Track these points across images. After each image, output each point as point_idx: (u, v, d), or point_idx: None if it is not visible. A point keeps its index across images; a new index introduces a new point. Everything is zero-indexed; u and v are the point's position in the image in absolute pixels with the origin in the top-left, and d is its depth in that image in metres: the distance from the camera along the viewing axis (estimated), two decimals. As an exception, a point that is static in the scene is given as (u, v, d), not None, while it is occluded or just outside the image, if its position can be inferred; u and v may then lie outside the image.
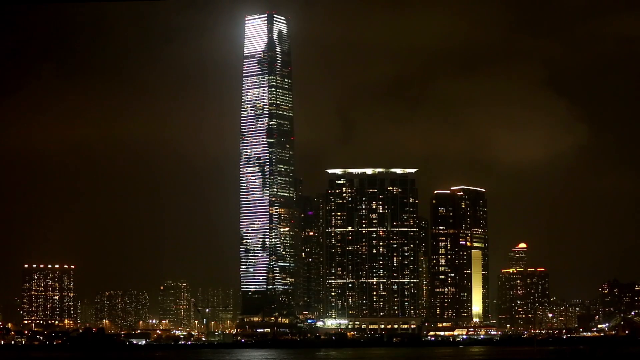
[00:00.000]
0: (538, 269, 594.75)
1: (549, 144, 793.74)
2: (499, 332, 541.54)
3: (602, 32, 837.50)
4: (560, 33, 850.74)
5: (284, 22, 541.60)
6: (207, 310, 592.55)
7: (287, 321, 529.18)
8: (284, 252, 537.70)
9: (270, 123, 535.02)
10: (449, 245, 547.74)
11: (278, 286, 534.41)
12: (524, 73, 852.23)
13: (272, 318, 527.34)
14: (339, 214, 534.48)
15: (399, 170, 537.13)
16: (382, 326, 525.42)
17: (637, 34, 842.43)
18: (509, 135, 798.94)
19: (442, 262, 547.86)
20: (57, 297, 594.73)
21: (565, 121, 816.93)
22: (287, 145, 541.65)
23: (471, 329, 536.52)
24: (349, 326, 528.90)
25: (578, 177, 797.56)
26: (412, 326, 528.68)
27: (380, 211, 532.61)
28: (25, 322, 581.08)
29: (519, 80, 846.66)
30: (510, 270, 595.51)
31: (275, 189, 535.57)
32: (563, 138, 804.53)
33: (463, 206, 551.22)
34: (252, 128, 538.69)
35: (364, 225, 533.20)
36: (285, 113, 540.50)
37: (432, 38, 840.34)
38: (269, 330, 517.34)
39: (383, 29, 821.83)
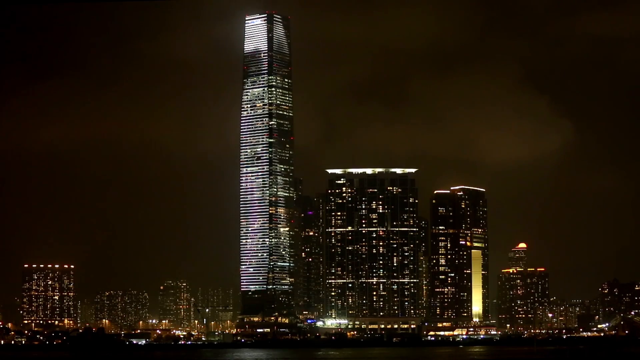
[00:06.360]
0: (538, 269, 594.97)
1: (535, 142, 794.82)
2: (499, 332, 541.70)
3: (572, 31, 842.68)
4: (532, 32, 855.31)
5: (284, 22, 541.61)
6: (207, 310, 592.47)
7: (287, 321, 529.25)
8: (284, 252, 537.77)
9: (270, 123, 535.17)
10: (449, 245, 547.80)
11: (278, 286, 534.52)
12: (502, 72, 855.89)
13: (272, 318, 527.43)
14: (339, 213, 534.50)
15: (398, 170, 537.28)
16: (382, 326, 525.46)
17: (607, 33, 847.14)
18: (494, 134, 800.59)
19: (442, 262, 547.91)
20: (57, 297, 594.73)
21: (549, 118, 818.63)
22: (287, 145, 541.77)
23: (471, 329, 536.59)
24: (349, 326, 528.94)
25: (569, 174, 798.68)
26: (412, 326, 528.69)
27: (380, 211, 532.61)
28: (25, 322, 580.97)
29: (496, 79, 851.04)
30: (510, 270, 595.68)
31: (275, 189, 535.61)
32: (548, 135, 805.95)
33: (463, 206, 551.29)
34: (252, 128, 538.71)
35: (364, 225, 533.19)
36: (285, 113, 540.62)
37: (406, 38, 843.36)
38: (269, 330, 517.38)
39: (360, 29, 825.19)
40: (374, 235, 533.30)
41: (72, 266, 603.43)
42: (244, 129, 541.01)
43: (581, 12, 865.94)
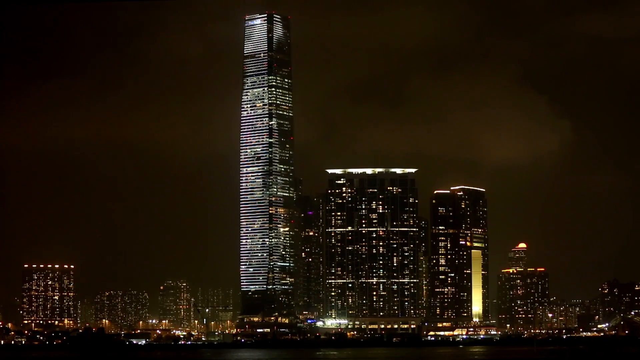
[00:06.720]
0: (538, 269, 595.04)
1: (534, 142, 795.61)
2: (499, 332, 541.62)
3: (571, 31, 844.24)
4: (531, 32, 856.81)
5: (284, 22, 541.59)
6: (207, 310, 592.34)
7: (287, 321, 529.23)
8: (284, 252, 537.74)
9: (270, 123, 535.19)
10: (449, 245, 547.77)
11: (278, 286, 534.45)
12: (501, 72, 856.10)
13: (272, 318, 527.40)
14: (339, 213, 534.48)
15: (398, 170, 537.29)
16: (382, 326, 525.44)
17: (606, 33, 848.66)
18: (493, 134, 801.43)
19: (442, 262, 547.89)
20: (57, 297, 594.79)
21: (548, 118, 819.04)
22: (287, 145, 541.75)
23: (471, 329, 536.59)
24: (349, 326, 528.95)
25: (568, 174, 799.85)
26: (412, 326, 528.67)
27: (380, 211, 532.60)
28: (25, 322, 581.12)
29: (496, 79, 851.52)
30: (510, 270, 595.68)
31: (275, 189, 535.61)
32: (547, 135, 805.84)
33: (463, 206, 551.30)
34: (252, 128, 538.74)
35: (364, 225, 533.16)
36: (285, 113, 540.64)
37: (405, 38, 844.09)
38: (269, 330, 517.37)
39: (355, 29, 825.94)
40: (374, 235, 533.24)
41: (72, 266, 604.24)
42: (244, 129, 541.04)
43: (580, 12, 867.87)
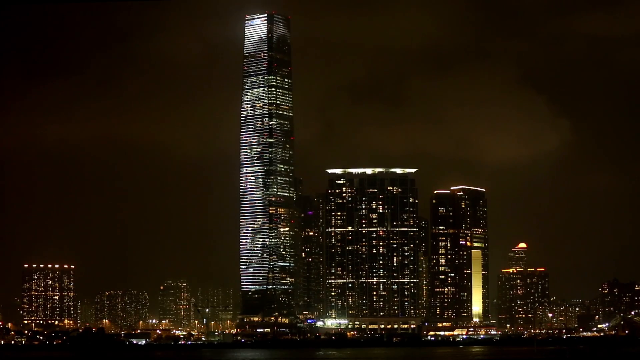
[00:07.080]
0: (538, 269, 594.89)
1: (534, 142, 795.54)
2: (499, 332, 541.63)
3: (570, 31, 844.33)
4: (530, 32, 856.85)
5: (284, 22, 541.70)
6: (207, 310, 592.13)
7: (287, 321, 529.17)
8: (284, 252, 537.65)
9: (270, 123, 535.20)
10: (449, 245, 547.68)
11: (278, 286, 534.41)
12: (499, 72, 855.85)
13: (272, 318, 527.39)
14: (339, 213, 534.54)
15: (398, 170, 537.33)
16: (382, 326, 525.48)
17: (605, 33, 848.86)
18: (492, 134, 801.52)
19: (442, 262, 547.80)
20: (57, 297, 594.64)
21: (547, 118, 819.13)
22: (287, 145, 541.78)
23: (471, 329, 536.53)
24: (349, 326, 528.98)
25: (568, 173, 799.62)
26: (412, 326, 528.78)
27: (380, 211, 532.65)
28: (25, 322, 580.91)
29: (495, 79, 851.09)
30: (510, 270, 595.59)
31: (275, 189, 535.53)
32: (547, 135, 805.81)
33: (463, 206, 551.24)
34: (252, 128, 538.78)
35: (364, 225, 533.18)
36: (285, 113, 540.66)
37: (402, 38, 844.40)
38: (269, 330, 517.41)
39: (354, 29, 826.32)
40: (374, 235, 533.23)
41: (72, 266, 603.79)
42: (244, 129, 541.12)
43: (578, 11, 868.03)
